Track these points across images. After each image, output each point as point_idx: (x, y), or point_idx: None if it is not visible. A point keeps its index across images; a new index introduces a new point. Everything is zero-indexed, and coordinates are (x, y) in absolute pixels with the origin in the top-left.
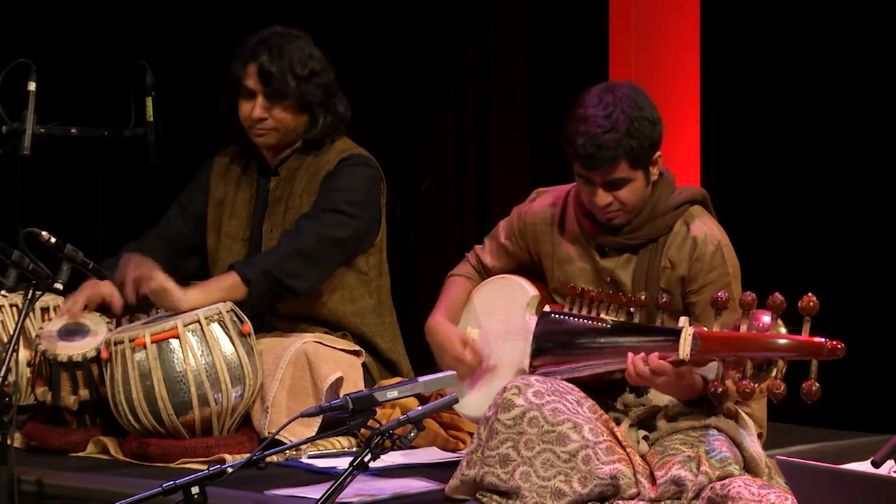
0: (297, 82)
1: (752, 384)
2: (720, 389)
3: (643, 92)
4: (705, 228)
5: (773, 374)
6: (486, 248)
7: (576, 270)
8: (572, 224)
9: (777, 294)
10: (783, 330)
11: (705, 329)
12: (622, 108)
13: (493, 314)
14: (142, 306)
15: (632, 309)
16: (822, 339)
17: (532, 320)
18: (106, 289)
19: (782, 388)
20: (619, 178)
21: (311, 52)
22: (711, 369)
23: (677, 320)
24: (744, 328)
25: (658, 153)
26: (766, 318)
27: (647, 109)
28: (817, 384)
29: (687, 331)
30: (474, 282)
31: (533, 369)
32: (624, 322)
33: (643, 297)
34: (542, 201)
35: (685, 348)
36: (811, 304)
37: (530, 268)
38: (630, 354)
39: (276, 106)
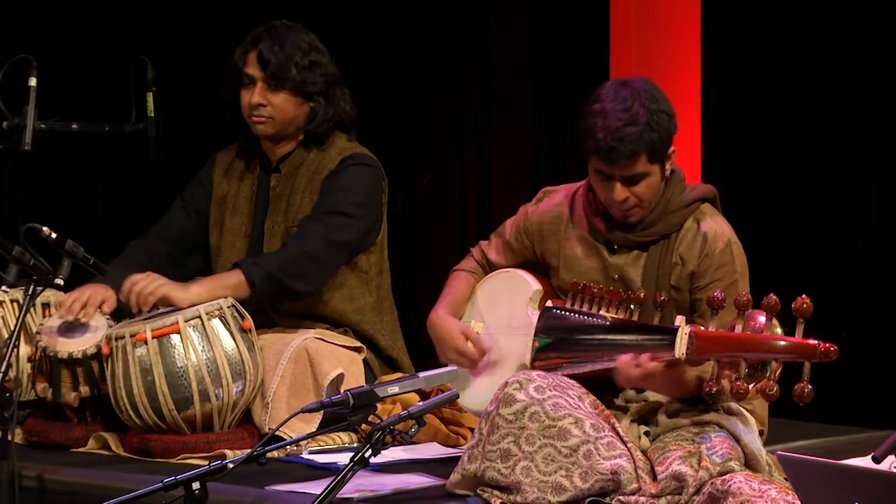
0: (297, 70)
1: (745, 385)
2: (715, 389)
3: (656, 85)
4: (715, 226)
5: (767, 374)
6: (491, 245)
7: (583, 268)
8: (580, 222)
9: (772, 295)
10: (778, 330)
11: (702, 328)
12: (640, 102)
13: (497, 308)
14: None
15: (632, 306)
16: (815, 342)
17: (534, 315)
18: (105, 292)
19: (775, 389)
20: (638, 172)
21: (314, 44)
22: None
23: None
24: (739, 328)
25: (673, 148)
26: (762, 319)
27: (662, 103)
28: (809, 386)
29: (683, 330)
30: (478, 277)
31: (536, 364)
32: (623, 319)
33: (642, 295)
34: (549, 201)
35: (681, 347)
36: (804, 305)
37: (535, 266)
38: (624, 356)
39: (275, 93)
